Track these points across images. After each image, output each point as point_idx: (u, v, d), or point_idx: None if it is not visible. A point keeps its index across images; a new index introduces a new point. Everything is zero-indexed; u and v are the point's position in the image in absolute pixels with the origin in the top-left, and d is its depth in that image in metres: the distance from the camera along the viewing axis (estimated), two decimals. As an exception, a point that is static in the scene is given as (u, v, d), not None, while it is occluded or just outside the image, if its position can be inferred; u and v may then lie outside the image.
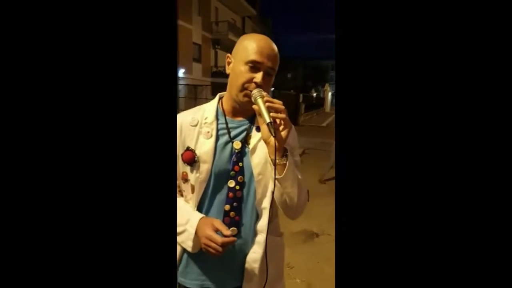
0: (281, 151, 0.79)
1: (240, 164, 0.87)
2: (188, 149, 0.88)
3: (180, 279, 0.93)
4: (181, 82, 13.82)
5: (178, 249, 0.92)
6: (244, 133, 0.89)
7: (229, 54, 0.89)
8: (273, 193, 0.81)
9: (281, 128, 0.77)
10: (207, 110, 0.91)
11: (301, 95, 18.14)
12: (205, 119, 0.89)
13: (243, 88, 0.83)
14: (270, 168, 0.80)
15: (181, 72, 14.10)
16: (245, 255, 0.88)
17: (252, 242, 0.88)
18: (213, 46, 18.81)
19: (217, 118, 0.90)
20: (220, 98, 0.94)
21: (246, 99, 0.83)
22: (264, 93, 0.79)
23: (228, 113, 0.91)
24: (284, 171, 0.79)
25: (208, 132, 0.88)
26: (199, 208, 0.89)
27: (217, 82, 16.42)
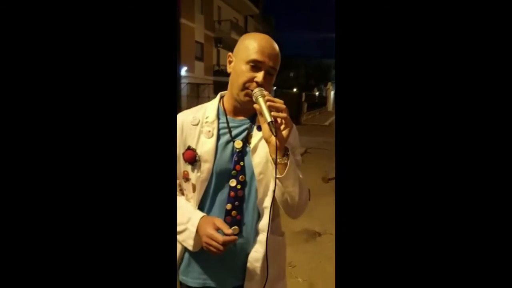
0: (282, 150, 0.78)
1: (241, 163, 0.87)
2: (189, 148, 0.88)
3: (183, 278, 0.93)
4: (183, 80, 13.83)
5: (180, 248, 0.92)
6: (245, 132, 0.89)
7: (230, 53, 0.89)
8: (274, 192, 0.81)
9: (282, 127, 0.77)
10: (208, 109, 0.91)
11: (303, 94, 18.13)
12: (206, 118, 0.89)
13: (244, 87, 0.83)
14: (271, 167, 0.80)
15: (183, 71, 14.11)
16: (246, 254, 0.88)
17: (254, 241, 0.88)
18: (215, 44, 18.81)
19: (218, 117, 0.90)
20: (221, 97, 0.94)
21: (247, 98, 0.83)
22: (265, 92, 0.79)
23: (229, 112, 0.91)
24: (285, 171, 0.79)
25: (209, 131, 0.88)
26: (201, 207, 0.89)
27: (219, 80, 16.43)
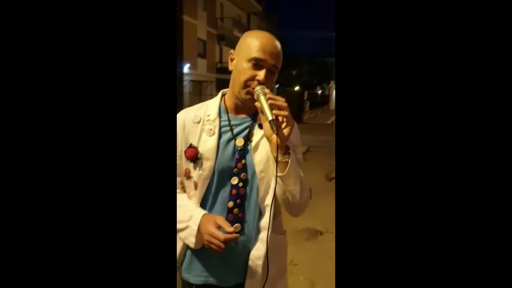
0: (283, 148, 0.78)
1: (243, 161, 0.87)
2: (191, 146, 0.88)
3: (185, 275, 0.94)
4: (186, 78, 13.84)
5: (182, 245, 0.92)
6: (247, 130, 0.89)
7: (232, 51, 0.88)
8: (275, 190, 0.81)
9: (283, 125, 0.77)
10: (210, 107, 0.91)
11: (306, 93, 18.08)
12: (208, 116, 0.89)
13: (246, 85, 0.83)
14: (273, 165, 0.80)
15: (186, 68, 14.11)
16: (248, 252, 0.89)
17: (256, 239, 0.89)
18: (218, 42, 18.79)
19: (219, 115, 0.90)
20: (223, 95, 0.94)
21: (248, 96, 0.83)
22: (267, 90, 0.79)
23: (231, 110, 0.91)
24: (287, 169, 0.79)
25: (211, 129, 0.88)
26: (202, 205, 0.89)
27: (222, 78, 16.42)
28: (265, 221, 0.87)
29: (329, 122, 15.50)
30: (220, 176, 0.87)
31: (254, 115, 0.90)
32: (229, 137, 0.88)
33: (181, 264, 0.95)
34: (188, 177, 0.90)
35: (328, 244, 2.86)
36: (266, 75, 0.81)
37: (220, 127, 0.88)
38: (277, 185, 0.81)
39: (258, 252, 0.87)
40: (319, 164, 5.28)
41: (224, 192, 0.88)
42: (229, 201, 0.87)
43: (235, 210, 0.87)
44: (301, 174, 0.84)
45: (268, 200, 0.86)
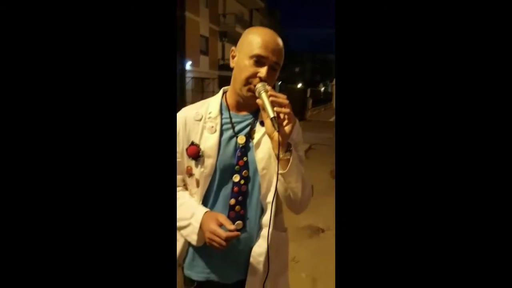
0: (285, 146, 0.78)
1: (245, 158, 0.87)
2: (192, 143, 0.88)
3: (187, 272, 0.94)
4: (188, 75, 13.82)
5: (185, 242, 0.92)
6: (248, 128, 0.89)
7: (233, 48, 0.88)
8: (276, 187, 0.81)
9: (285, 123, 0.77)
10: (211, 105, 0.91)
11: (308, 90, 18.02)
12: (209, 113, 0.89)
13: (247, 82, 0.82)
14: (274, 162, 0.80)
15: (188, 65, 14.09)
16: (250, 248, 0.89)
17: (257, 236, 0.89)
18: (220, 38, 18.74)
19: (221, 113, 0.89)
20: (224, 92, 0.94)
21: (250, 93, 0.82)
22: (268, 87, 0.79)
23: (232, 107, 0.91)
24: (288, 166, 0.79)
25: (212, 127, 0.88)
26: (204, 203, 0.89)
27: (224, 75, 16.40)
28: (266, 218, 0.87)
29: (332, 119, 15.44)
30: (222, 174, 0.87)
31: (256, 112, 0.90)
32: (231, 134, 0.88)
33: (183, 261, 0.95)
34: (190, 174, 0.90)
35: (330, 242, 2.86)
36: (268, 72, 0.81)
37: (222, 125, 0.88)
38: (278, 183, 0.81)
39: (259, 249, 0.88)
40: (321, 161, 5.28)
41: (226, 190, 0.88)
42: (231, 198, 0.87)
43: (237, 207, 0.87)
44: (303, 172, 0.84)
45: (270, 198, 0.86)
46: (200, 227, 0.84)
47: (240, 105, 0.90)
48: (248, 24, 19.75)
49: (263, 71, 0.80)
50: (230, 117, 0.89)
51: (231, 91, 0.90)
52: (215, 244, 0.81)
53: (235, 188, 0.87)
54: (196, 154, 0.87)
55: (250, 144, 0.88)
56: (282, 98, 0.77)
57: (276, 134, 0.76)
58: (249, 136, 0.88)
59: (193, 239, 0.87)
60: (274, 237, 0.87)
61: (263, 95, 0.77)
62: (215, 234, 0.80)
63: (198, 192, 0.89)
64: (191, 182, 0.91)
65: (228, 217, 0.85)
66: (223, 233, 0.79)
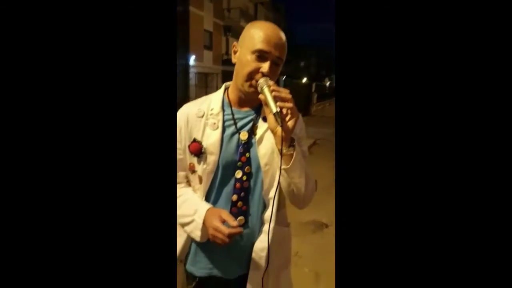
0: (288, 141, 0.78)
1: (247, 154, 0.86)
2: (194, 140, 0.88)
3: (190, 268, 0.95)
4: (191, 70, 13.79)
5: (187, 239, 0.93)
6: (251, 124, 0.88)
7: (235, 43, 0.87)
8: (279, 183, 0.81)
9: (288, 117, 0.76)
10: (213, 101, 0.90)
11: (313, 84, 17.90)
12: (211, 110, 0.89)
13: (249, 77, 0.81)
14: (277, 158, 0.80)
15: (191, 60, 14.04)
16: (252, 244, 0.89)
17: (259, 231, 0.89)
18: (224, 33, 18.64)
19: (223, 109, 0.89)
20: (226, 88, 0.93)
21: (252, 89, 0.82)
22: (271, 82, 0.78)
23: (234, 103, 0.90)
24: (291, 161, 0.78)
25: (214, 123, 0.87)
26: (207, 199, 0.89)
27: (228, 70, 16.34)
28: (268, 213, 0.87)
29: (336, 114, 15.31)
30: (224, 170, 0.87)
31: (258, 108, 0.89)
32: (233, 130, 0.88)
33: (186, 257, 0.96)
34: (193, 171, 0.90)
35: (333, 237, 2.86)
36: (271, 67, 0.80)
37: (224, 121, 0.88)
38: (282, 178, 0.80)
39: (261, 244, 0.88)
40: (325, 157, 5.26)
41: (229, 186, 0.88)
42: (233, 194, 0.87)
43: (239, 203, 0.87)
44: (306, 167, 0.83)
45: (273, 193, 0.86)
46: (204, 223, 0.84)
47: (242, 101, 0.89)
48: (252, 18, 19.60)
49: (265, 66, 0.79)
50: (232, 113, 0.89)
51: (233, 86, 0.89)
52: (218, 240, 0.81)
53: (238, 184, 0.87)
54: (198, 151, 0.87)
55: (253, 140, 0.87)
56: (285, 92, 0.76)
57: (279, 129, 0.76)
58: (252, 132, 0.87)
59: (197, 235, 0.87)
60: (276, 232, 0.87)
61: (266, 90, 0.76)
62: (218, 231, 0.80)
63: (201, 189, 0.89)
64: (193, 178, 0.91)
65: (230, 213, 0.85)
66: (226, 230, 0.79)
